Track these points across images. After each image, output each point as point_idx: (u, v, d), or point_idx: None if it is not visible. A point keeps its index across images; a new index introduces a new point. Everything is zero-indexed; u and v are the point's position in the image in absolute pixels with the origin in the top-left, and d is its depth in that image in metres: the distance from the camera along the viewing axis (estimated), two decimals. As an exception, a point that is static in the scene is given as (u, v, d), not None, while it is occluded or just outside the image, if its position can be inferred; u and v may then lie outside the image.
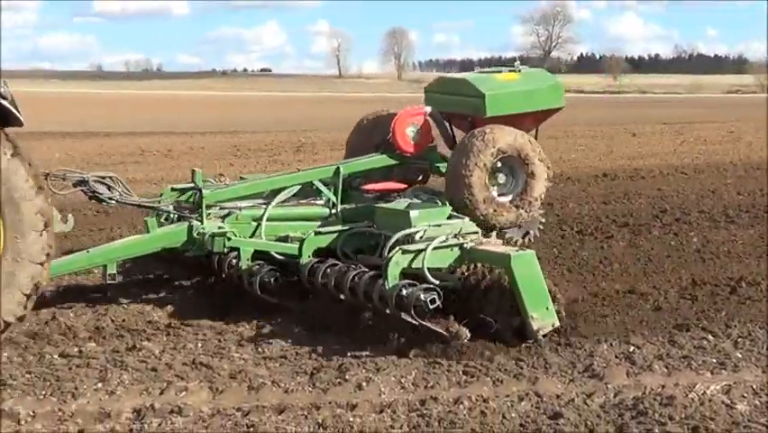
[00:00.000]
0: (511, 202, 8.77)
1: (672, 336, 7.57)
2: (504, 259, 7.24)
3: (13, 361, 7.07)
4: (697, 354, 7.12)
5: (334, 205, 8.90)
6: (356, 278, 7.54)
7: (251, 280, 8.03)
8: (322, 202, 9.04)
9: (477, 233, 7.97)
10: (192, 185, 8.57)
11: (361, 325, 7.63)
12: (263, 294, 8.02)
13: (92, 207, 13.61)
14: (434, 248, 7.51)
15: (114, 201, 8.30)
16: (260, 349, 7.36)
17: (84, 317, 8.22)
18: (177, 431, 5.71)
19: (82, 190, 8.16)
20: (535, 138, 9.29)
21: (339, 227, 8.55)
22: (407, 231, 7.80)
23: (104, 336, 7.72)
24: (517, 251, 7.40)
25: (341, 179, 8.98)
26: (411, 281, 7.12)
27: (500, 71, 9.59)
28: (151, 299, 8.80)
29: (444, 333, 6.97)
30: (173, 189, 8.68)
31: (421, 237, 7.71)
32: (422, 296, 6.93)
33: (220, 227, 8.27)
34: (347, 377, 6.60)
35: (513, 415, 5.97)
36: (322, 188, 8.97)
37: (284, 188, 9.02)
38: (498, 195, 8.74)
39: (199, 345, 7.46)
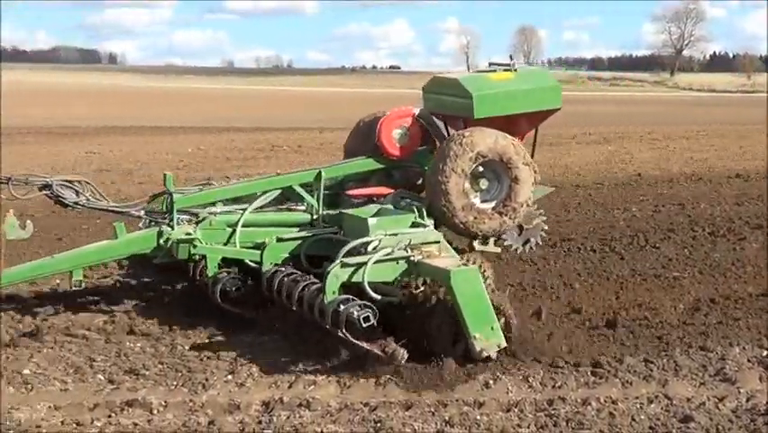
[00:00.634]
0: (494, 209, 8.20)
1: (809, 341, 7.35)
2: (444, 274, 6.71)
3: (146, 351, 7.28)
4: (834, 360, 6.90)
5: (317, 210, 8.44)
6: (305, 289, 7.17)
7: (214, 289, 7.76)
8: (303, 208, 8.59)
9: (437, 242, 7.39)
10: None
11: None
12: (224, 303, 7.76)
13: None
14: (378, 261, 6.97)
15: (80, 206, 8.14)
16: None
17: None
18: (305, 424, 5.77)
19: (46, 195, 8.03)
20: (534, 140, 9.00)
21: (303, 234, 8.17)
22: (361, 240, 7.30)
23: (232, 329, 7.83)
24: (460, 266, 6.89)
25: (322, 184, 8.52)
26: (349, 297, 6.67)
27: (495, 70, 8.92)
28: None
29: (380, 353, 6.52)
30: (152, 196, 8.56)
31: (375, 247, 7.16)
32: (355, 313, 6.47)
33: (188, 233, 7.98)
34: (474, 375, 6.59)
35: (642, 417, 5.89)
36: (303, 193, 8.54)
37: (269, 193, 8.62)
38: (482, 201, 8.20)
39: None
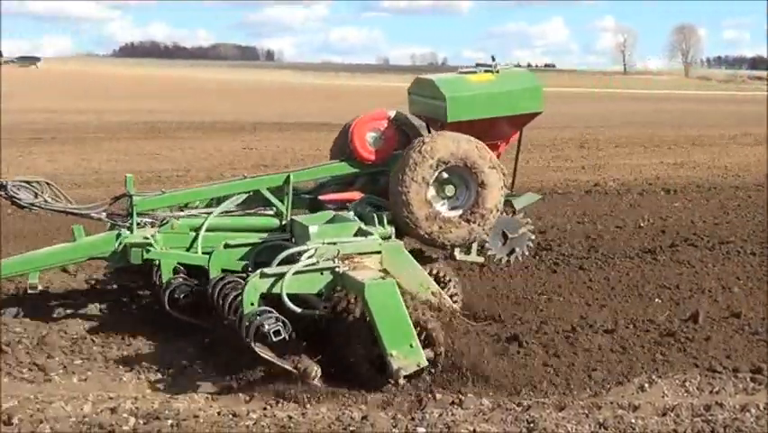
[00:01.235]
0: (461, 216, 7.92)
1: None
2: (359, 287, 6.25)
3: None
4: None
5: (285, 216, 8.21)
6: (237, 298, 6.81)
7: (163, 295, 7.46)
8: (272, 212, 8.34)
9: (378, 253, 6.94)
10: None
11: None
12: (172, 309, 7.44)
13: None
14: (298, 272, 6.55)
15: (36, 207, 7.96)
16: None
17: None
18: (457, 423, 5.78)
19: (1, 195, 7.90)
20: (518, 144, 8.68)
21: (253, 240, 7.88)
22: (296, 249, 6.96)
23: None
24: (376, 279, 6.34)
25: (291, 188, 8.25)
26: (266, 309, 6.32)
27: (476, 72, 8.56)
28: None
29: (292, 369, 6.23)
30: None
31: (310, 256, 6.74)
32: (266, 326, 6.15)
33: (146, 237, 7.73)
34: (629, 378, 6.51)
35: (805, 425, 5.70)
36: (270, 197, 8.27)
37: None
38: (450, 209, 7.95)
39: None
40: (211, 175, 18.96)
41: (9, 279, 8.32)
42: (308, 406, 6.06)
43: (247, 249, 7.79)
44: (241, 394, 6.28)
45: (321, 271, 6.60)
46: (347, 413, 5.95)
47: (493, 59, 8.51)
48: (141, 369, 6.81)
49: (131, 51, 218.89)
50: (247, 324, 6.20)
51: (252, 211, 8.41)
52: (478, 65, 8.70)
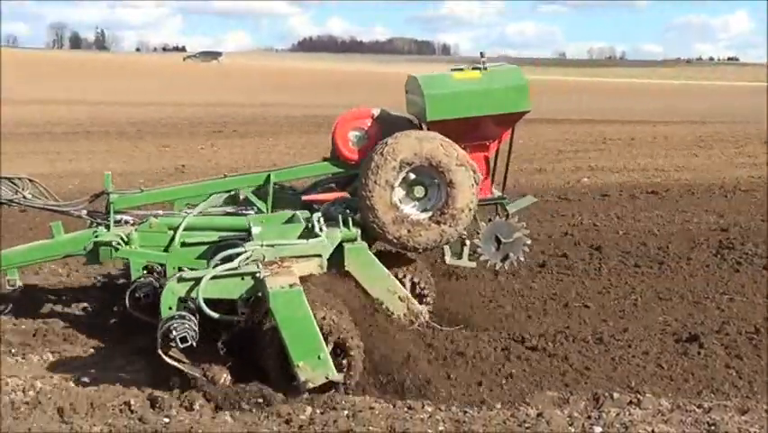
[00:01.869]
0: (431, 219, 7.54)
1: None
2: (267, 295, 5.99)
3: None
4: None
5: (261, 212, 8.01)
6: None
7: (127, 294, 7.24)
8: (253, 212, 8.09)
9: (318, 256, 6.75)
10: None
11: None
12: (134, 311, 7.20)
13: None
14: (216, 277, 6.29)
15: (15, 203, 7.99)
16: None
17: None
18: (635, 423, 5.67)
19: None
20: (510, 145, 8.18)
21: (210, 239, 7.57)
22: (234, 250, 6.73)
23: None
24: (283, 287, 6.02)
25: (271, 187, 8.05)
26: (183, 313, 6.07)
27: (461, 69, 8.06)
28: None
29: (200, 376, 6.08)
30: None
31: (246, 258, 6.50)
32: (173, 332, 5.93)
33: (118, 236, 7.53)
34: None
35: None
36: (251, 196, 8.10)
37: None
38: (422, 210, 7.56)
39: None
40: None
41: None
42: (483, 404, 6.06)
43: (205, 248, 7.57)
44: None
45: (242, 276, 6.34)
46: (522, 410, 5.92)
47: (482, 55, 8.05)
48: None
49: (309, 46, 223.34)
50: (159, 329, 6.04)
51: (233, 210, 8.20)
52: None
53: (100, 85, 64.06)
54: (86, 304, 8.51)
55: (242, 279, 6.29)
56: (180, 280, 6.31)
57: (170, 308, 6.17)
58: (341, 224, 7.39)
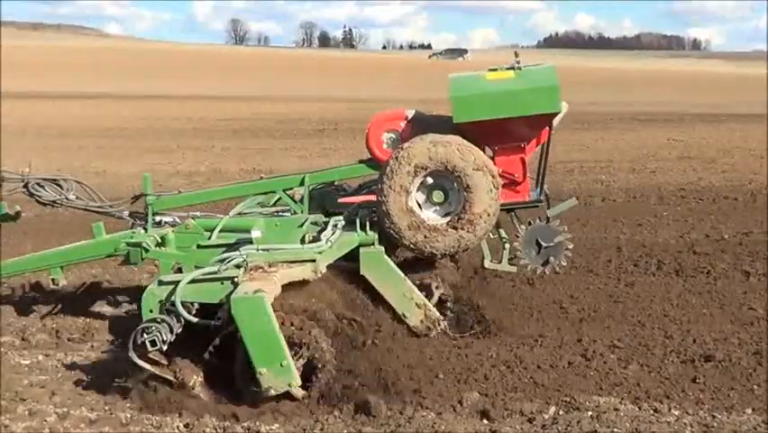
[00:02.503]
0: (448, 224, 7.35)
1: None
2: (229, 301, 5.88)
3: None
4: None
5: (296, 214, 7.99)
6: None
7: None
8: (290, 213, 8.10)
9: (312, 261, 6.50)
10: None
11: None
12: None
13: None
14: (195, 280, 6.19)
15: (57, 204, 8.15)
16: None
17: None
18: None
19: (23, 192, 7.99)
20: (547, 148, 7.81)
21: (226, 241, 7.47)
22: (228, 254, 6.59)
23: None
24: (246, 292, 5.86)
25: (306, 189, 8.05)
26: (161, 317, 6.01)
27: (495, 69, 7.70)
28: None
29: (172, 378, 6.02)
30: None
31: (239, 263, 6.32)
32: (144, 335, 5.89)
33: (152, 237, 7.58)
34: None
35: None
36: (285, 198, 8.16)
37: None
38: (442, 216, 7.41)
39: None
40: (634, 166, 18.85)
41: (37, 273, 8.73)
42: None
43: (221, 250, 7.43)
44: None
45: (221, 280, 6.23)
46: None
47: (516, 55, 7.84)
48: None
49: (554, 42, 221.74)
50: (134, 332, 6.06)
51: (270, 212, 8.29)
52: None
53: (347, 82, 65.89)
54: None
55: (222, 283, 6.21)
56: (161, 283, 6.32)
57: (151, 311, 6.19)
58: (358, 228, 7.41)
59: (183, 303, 6.06)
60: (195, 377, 6.11)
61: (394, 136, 7.96)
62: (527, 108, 7.41)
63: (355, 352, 6.25)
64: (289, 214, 8.09)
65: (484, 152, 7.54)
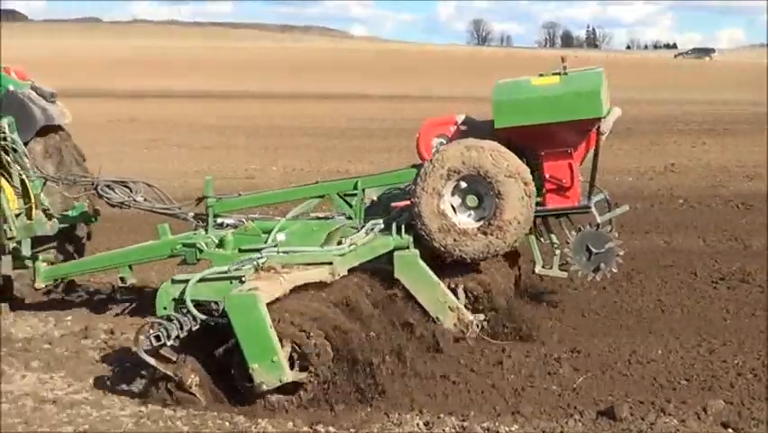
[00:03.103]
0: (479, 229, 7.40)
1: None
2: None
3: None
4: None
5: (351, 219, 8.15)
6: None
7: None
8: (344, 217, 8.28)
9: (329, 264, 6.76)
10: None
11: None
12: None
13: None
14: (204, 279, 6.47)
15: (125, 206, 8.47)
16: None
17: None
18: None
19: (93, 193, 8.27)
20: (595, 154, 7.59)
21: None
22: (251, 255, 6.85)
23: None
24: (241, 291, 6.16)
25: (359, 193, 8.20)
26: (172, 315, 6.27)
27: (542, 75, 7.72)
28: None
29: (171, 374, 6.22)
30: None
31: (258, 264, 6.67)
32: (150, 331, 6.12)
33: (210, 238, 7.96)
34: None
35: None
36: (339, 201, 8.30)
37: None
38: (476, 220, 7.48)
39: None
40: None
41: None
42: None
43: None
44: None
45: (230, 279, 6.51)
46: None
47: (563, 60, 7.69)
48: None
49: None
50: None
51: (324, 216, 8.53)
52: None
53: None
54: None
55: (231, 282, 6.48)
56: (174, 281, 6.61)
57: (165, 308, 6.50)
58: (393, 231, 7.53)
59: (205, 302, 6.36)
60: (193, 376, 6.30)
61: (444, 141, 8.04)
62: (567, 113, 7.49)
63: None
64: (344, 217, 8.28)
65: (533, 157, 7.67)
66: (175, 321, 6.20)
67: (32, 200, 8.51)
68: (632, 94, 37.31)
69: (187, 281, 6.49)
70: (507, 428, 5.75)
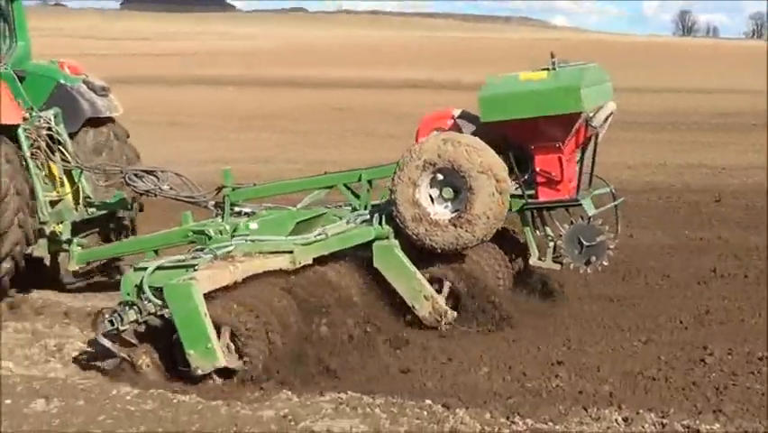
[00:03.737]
0: (450, 221, 7.63)
1: None
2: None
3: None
4: None
5: (356, 210, 8.49)
6: None
7: None
8: (350, 207, 8.64)
9: (289, 252, 7.21)
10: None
11: None
12: None
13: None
14: (161, 267, 6.87)
15: (150, 194, 8.90)
16: None
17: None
18: None
19: (121, 182, 8.52)
20: (594, 149, 7.66)
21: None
22: (223, 243, 7.45)
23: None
24: (179, 280, 6.56)
25: (364, 185, 8.58)
26: (130, 301, 6.70)
27: (531, 70, 7.90)
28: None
29: (126, 358, 6.62)
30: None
31: (227, 252, 7.19)
32: (107, 315, 6.62)
33: (223, 225, 8.22)
34: None
35: None
36: (345, 192, 8.69)
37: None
38: (452, 212, 7.70)
39: None
40: None
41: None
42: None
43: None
44: None
45: (185, 267, 6.88)
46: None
47: (552, 56, 7.73)
48: None
49: None
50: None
51: (332, 206, 8.93)
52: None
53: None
54: None
55: (186, 270, 6.84)
56: (136, 269, 6.99)
57: (128, 294, 6.82)
58: (374, 222, 7.87)
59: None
60: (144, 358, 6.65)
61: None
62: (548, 108, 7.65)
63: None
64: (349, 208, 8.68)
65: (524, 150, 7.84)
66: (134, 307, 6.68)
67: (68, 188, 9.16)
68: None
69: (146, 269, 6.89)
70: (707, 427, 5.75)
